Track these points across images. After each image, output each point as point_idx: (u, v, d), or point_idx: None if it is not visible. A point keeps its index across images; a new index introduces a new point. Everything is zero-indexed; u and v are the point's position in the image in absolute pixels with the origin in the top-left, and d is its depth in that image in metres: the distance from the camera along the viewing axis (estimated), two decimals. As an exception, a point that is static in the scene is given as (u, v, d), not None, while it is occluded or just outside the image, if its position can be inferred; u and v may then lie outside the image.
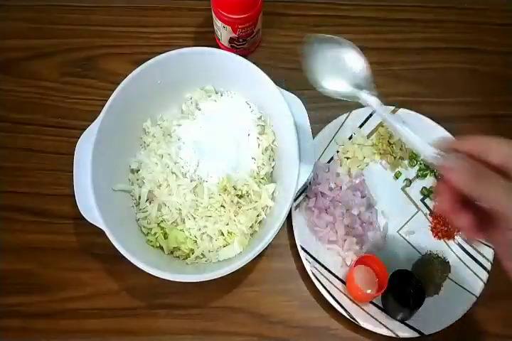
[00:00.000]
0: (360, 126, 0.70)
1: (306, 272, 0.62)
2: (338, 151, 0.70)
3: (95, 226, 0.66)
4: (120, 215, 0.60)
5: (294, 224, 0.64)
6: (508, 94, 0.75)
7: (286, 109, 0.59)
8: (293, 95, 0.61)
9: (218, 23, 0.68)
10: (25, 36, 0.75)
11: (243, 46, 0.72)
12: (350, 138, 0.70)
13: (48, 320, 0.62)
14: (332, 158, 0.69)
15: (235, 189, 0.61)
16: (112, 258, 0.64)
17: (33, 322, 0.62)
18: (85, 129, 0.70)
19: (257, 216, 0.61)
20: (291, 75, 0.73)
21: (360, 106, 0.70)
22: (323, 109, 0.71)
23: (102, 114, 0.58)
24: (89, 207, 0.55)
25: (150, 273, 0.54)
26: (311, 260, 0.63)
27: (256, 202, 0.61)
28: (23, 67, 0.73)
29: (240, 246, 0.59)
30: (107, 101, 0.71)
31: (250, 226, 0.60)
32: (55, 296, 0.63)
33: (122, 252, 0.54)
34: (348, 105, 0.71)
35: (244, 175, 0.62)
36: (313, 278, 0.61)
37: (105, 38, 0.75)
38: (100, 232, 0.65)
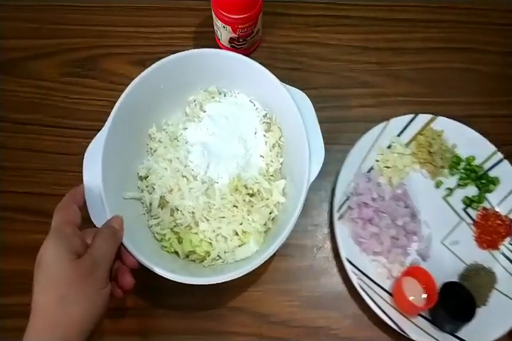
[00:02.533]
0: (399, 135, 0.69)
1: (306, 272, 0.62)
2: (377, 160, 0.68)
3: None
4: (133, 224, 0.58)
5: (337, 235, 0.62)
6: (508, 94, 0.75)
7: (292, 104, 0.58)
8: (297, 89, 0.60)
9: (218, 23, 0.68)
10: (25, 36, 0.75)
11: (243, 46, 0.72)
12: (389, 147, 0.69)
13: (48, 320, 0.62)
14: (372, 168, 0.68)
15: (246, 188, 0.61)
16: (112, 258, 0.64)
17: (33, 322, 0.62)
18: (85, 129, 0.71)
19: (270, 213, 0.61)
20: (291, 75, 0.74)
21: (397, 114, 0.69)
22: (324, 108, 0.71)
23: (108, 123, 0.57)
24: (103, 218, 0.54)
25: (173, 279, 0.53)
26: (357, 272, 0.61)
27: (267, 199, 0.61)
28: (23, 67, 0.73)
29: (256, 245, 0.58)
30: (107, 101, 0.72)
31: (264, 224, 0.60)
32: (55, 296, 0.63)
33: (143, 261, 0.53)
34: (385, 114, 0.70)
35: (254, 174, 0.62)
36: (360, 290, 0.60)
37: (105, 38, 0.75)
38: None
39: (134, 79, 0.72)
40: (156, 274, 0.64)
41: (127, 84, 0.72)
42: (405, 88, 0.74)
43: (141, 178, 0.63)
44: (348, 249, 0.62)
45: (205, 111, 0.65)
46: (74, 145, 0.69)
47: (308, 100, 0.60)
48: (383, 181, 0.68)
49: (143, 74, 0.60)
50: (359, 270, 0.62)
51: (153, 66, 0.60)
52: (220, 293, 0.63)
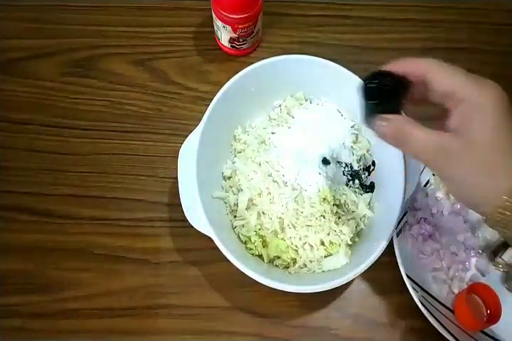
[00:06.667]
0: None
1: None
2: (434, 174, 0.67)
3: (95, 226, 0.66)
4: (221, 223, 0.59)
5: (396, 251, 0.61)
6: (507, 94, 0.74)
7: None
8: None
9: (218, 23, 0.68)
10: (25, 36, 0.75)
11: (243, 46, 0.72)
12: None
13: (48, 320, 0.62)
14: (428, 182, 0.67)
15: (334, 198, 0.60)
16: (112, 258, 0.64)
17: (33, 322, 0.62)
18: (85, 129, 0.71)
19: (356, 226, 0.60)
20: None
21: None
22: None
23: (202, 123, 0.57)
24: (197, 216, 0.55)
25: (270, 285, 0.53)
26: (418, 289, 0.60)
27: (353, 211, 0.60)
28: (23, 67, 0.73)
29: (346, 257, 0.58)
30: (106, 101, 0.72)
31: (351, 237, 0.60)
32: (55, 296, 0.63)
33: (235, 263, 0.53)
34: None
35: (340, 184, 0.61)
36: (422, 308, 0.58)
37: (105, 38, 0.75)
38: (100, 232, 0.66)
39: (132, 78, 0.73)
40: (155, 273, 0.64)
41: (127, 84, 0.73)
42: (405, 88, 0.74)
43: (224, 178, 0.63)
44: (407, 266, 0.61)
45: (293, 117, 0.65)
46: (74, 145, 0.69)
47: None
48: (441, 195, 0.67)
49: (237, 76, 0.60)
50: (419, 286, 0.61)
51: (247, 69, 0.60)
52: (219, 293, 0.63)
